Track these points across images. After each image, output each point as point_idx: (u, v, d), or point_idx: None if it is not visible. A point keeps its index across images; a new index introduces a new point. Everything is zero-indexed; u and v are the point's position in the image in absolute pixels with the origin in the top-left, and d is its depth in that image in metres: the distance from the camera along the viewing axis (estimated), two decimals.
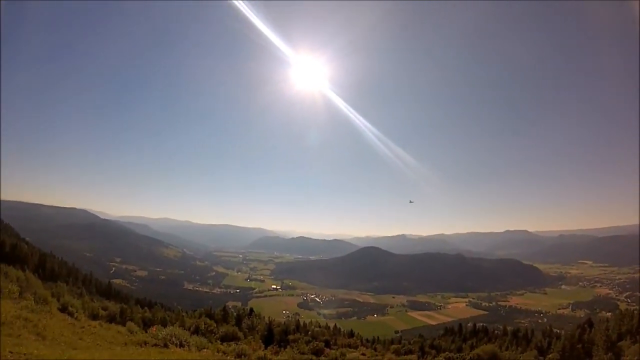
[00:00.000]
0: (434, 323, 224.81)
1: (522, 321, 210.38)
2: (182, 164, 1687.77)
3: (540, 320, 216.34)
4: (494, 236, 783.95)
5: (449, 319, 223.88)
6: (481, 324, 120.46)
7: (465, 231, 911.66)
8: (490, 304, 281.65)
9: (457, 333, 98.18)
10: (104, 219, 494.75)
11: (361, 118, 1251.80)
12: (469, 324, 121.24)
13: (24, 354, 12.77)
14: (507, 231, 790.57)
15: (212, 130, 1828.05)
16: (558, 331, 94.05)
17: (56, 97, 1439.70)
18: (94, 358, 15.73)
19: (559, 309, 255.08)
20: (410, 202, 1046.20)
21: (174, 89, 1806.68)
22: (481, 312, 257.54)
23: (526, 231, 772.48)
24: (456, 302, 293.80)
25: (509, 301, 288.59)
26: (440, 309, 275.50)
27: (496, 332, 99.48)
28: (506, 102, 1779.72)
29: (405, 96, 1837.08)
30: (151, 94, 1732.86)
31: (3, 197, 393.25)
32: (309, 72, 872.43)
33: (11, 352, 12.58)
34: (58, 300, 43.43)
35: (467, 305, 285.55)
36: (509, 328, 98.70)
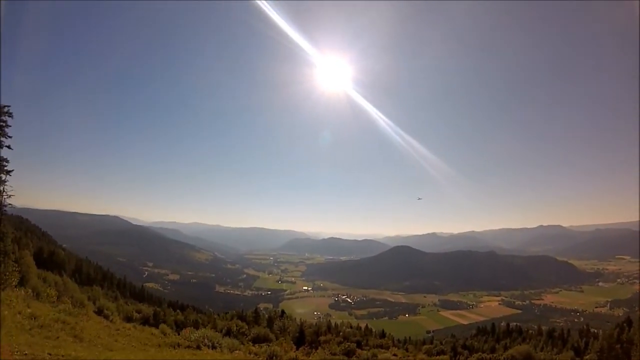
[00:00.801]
0: (466, 323, 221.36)
1: (558, 320, 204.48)
2: (211, 170, 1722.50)
3: (576, 320, 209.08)
4: (526, 232, 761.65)
5: (482, 319, 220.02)
6: (515, 324, 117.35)
7: (496, 227, 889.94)
8: (524, 303, 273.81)
9: (490, 333, 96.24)
10: (137, 225, 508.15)
11: (385, 118, 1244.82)
12: (502, 324, 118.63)
13: (63, 356, 12.92)
14: (541, 226, 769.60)
15: (239, 135, 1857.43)
16: (595, 331, 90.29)
17: (90, 109, 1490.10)
18: (129, 359, 15.83)
19: (596, 307, 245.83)
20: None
21: (201, 95, 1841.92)
22: (514, 311, 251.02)
23: (560, 226, 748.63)
24: (489, 301, 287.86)
25: (543, 299, 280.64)
26: (472, 308, 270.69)
27: (530, 332, 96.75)
28: (536, 94, 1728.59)
29: (430, 95, 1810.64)
30: (182, 102, 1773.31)
31: (40, 207, 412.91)
32: (333, 72, 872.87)
33: (50, 354, 12.73)
34: (94, 303, 44.68)
35: (499, 304, 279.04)
36: (543, 328, 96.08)
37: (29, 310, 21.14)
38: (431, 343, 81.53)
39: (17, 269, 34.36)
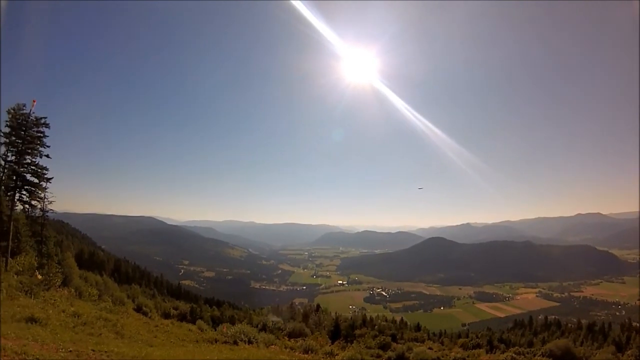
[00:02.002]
0: (502, 315, 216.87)
1: (598, 314, 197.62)
2: (243, 167, 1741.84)
3: (617, 313, 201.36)
4: (564, 221, 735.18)
5: (518, 311, 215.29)
6: (553, 317, 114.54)
7: (532, 217, 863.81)
8: (562, 295, 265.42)
9: (528, 326, 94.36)
10: (171, 225, 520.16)
11: (413, 110, 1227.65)
12: (539, 317, 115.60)
13: (105, 352, 13.16)
14: (579, 215, 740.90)
15: (269, 131, 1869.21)
16: (638, 325, 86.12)
17: (122, 117, 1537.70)
18: (169, 355, 16.05)
19: (639, 299, 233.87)
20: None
21: (230, 92, 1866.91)
22: (552, 303, 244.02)
23: (600, 214, 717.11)
24: (525, 293, 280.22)
25: (582, 291, 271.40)
26: (508, 300, 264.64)
27: (569, 325, 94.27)
28: (573, 77, 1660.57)
29: (459, 85, 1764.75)
30: (211, 101, 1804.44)
31: (79, 211, 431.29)
32: (359, 64, 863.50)
33: (93, 350, 12.99)
34: (133, 301, 46.10)
35: (537, 296, 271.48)
36: (583, 321, 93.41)
37: (72, 309, 21.83)
38: (467, 336, 79.90)
39: (60, 270, 35.74)
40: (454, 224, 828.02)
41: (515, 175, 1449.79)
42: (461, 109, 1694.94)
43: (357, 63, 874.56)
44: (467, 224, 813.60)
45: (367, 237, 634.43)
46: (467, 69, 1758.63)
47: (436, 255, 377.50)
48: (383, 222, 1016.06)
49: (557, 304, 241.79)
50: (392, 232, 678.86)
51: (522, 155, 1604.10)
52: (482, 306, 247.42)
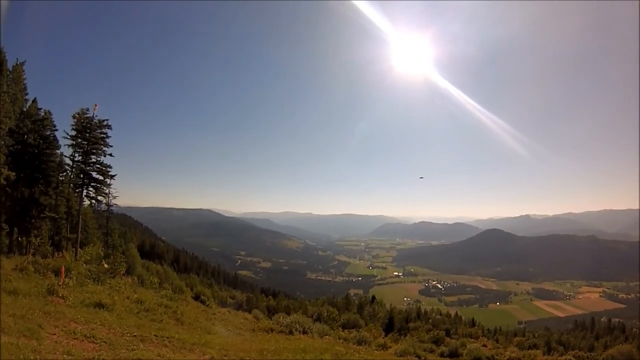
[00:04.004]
0: (562, 315, 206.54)
1: None
2: (299, 159, 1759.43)
3: None
4: (633, 213, 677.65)
5: (580, 312, 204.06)
6: (617, 320, 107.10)
7: (597, 209, 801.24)
8: (629, 296, 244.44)
9: (589, 329, 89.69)
10: (229, 217, 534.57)
11: (467, 97, 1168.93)
12: (602, 319, 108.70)
13: (167, 338, 13.52)
14: None
15: (324, 123, 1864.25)
16: None
17: (182, 113, 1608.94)
18: (228, 343, 16.29)
19: None
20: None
21: (281, 86, 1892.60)
22: (617, 305, 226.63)
23: None
24: (588, 292, 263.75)
25: None
26: (569, 299, 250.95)
27: (634, 330, 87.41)
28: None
29: (519, 69, 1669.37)
30: (263, 96, 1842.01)
31: (141, 205, 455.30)
32: (411, 50, 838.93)
33: (156, 336, 13.39)
34: (191, 289, 47.78)
35: (600, 296, 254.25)
36: None
37: (135, 296, 22.89)
38: (523, 335, 76.34)
39: (124, 259, 37.82)
40: (513, 216, 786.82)
41: (579, 162, 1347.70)
42: (522, 92, 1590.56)
43: (409, 49, 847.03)
44: (527, 215, 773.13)
45: (423, 228, 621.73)
46: (527, 48, 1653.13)
47: (493, 248, 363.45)
48: (440, 213, 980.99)
49: (623, 305, 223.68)
50: (449, 223, 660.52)
51: (587, 142, 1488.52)
52: (541, 304, 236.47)
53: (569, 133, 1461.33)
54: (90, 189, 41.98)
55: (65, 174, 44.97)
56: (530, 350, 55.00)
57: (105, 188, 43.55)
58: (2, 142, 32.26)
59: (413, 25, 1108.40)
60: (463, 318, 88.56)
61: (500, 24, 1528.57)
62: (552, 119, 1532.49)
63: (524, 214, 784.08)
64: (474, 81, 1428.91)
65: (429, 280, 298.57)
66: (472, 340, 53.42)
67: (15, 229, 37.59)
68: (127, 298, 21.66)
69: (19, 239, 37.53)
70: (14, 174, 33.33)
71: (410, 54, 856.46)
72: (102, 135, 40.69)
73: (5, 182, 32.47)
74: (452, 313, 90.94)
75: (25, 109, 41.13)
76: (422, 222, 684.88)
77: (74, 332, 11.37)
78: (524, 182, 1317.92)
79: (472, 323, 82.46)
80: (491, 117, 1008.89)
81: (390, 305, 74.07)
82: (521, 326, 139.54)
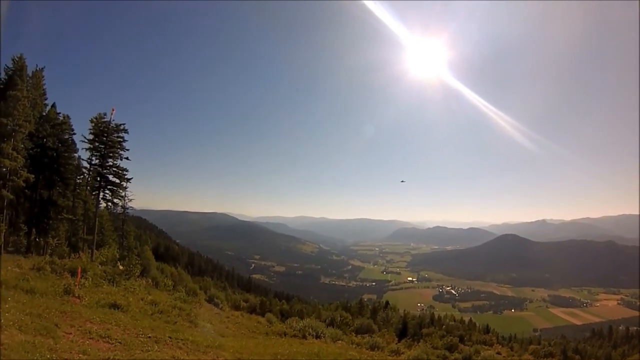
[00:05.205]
0: (578, 323, 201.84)
1: None
2: (313, 163, 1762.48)
3: None
4: None
5: (597, 319, 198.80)
6: (635, 328, 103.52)
7: (616, 213, 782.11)
8: None
9: (607, 337, 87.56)
10: (243, 221, 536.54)
11: (481, 99, 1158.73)
12: (620, 327, 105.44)
13: (181, 340, 13.53)
14: None
15: (337, 128, 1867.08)
16: None
17: (197, 118, 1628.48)
18: (241, 346, 16.25)
19: None
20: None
21: (296, 90, 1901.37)
22: (636, 313, 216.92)
23: None
24: (606, 299, 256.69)
25: None
26: (586, 306, 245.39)
27: None
28: None
29: (534, 67, 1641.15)
30: (279, 101, 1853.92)
31: (156, 208, 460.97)
32: (425, 54, 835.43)
33: (170, 338, 13.41)
34: (205, 292, 48.11)
35: (618, 303, 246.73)
36: None
37: (150, 297, 23.06)
38: (539, 343, 75.10)
39: (139, 261, 38.20)
40: (528, 221, 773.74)
41: (597, 164, 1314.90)
42: (539, 91, 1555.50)
43: (423, 53, 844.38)
44: (543, 220, 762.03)
45: (438, 233, 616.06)
46: (539, 44, 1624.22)
47: (508, 254, 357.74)
48: (454, 218, 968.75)
49: None
50: (464, 228, 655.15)
51: (605, 143, 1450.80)
52: (557, 311, 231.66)
53: (586, 134, 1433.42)
54: (107, 191, 42.66)
55: (82, 176, 45.91)
56: (545, 359, 54.07)
57: (121, 191, 44.19)
58: (22, 146, 32.92)
59: (427, 27, 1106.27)
60: (477, 324, 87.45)
61: (520, 21, 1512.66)
62: (569, 118, 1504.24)
63: (539, 218, 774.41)
64: (489, 82, 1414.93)
65: (443, 285, 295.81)
66: (486, 347, 52.65)
67: (34, 230, 38.34)
68: (142, 299, 21.82)
69: (37, 239, 38.24)
70: (33, 176, 33.97)
71: (424, 56, 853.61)
72: (118, 139, 41.39)
73: (24, 184, 33.16)
74: (466, 319, 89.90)
75: (44, 114, 42.08)
76: (437, 227, 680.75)
77: (89, 332, 11.47)
78: (540, 185, 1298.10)
79: (487, 330, 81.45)
80: (506, 118, 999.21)
81: (404, 310, 73.26)
82: (537, 334, 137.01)
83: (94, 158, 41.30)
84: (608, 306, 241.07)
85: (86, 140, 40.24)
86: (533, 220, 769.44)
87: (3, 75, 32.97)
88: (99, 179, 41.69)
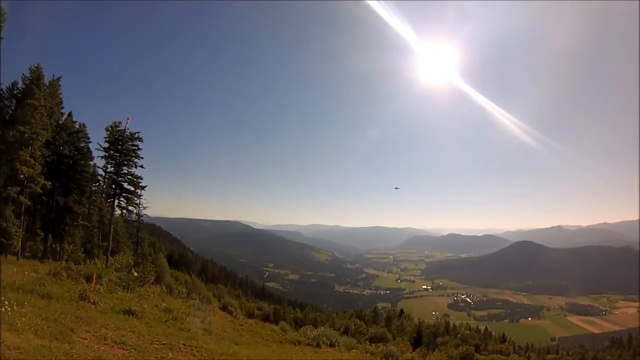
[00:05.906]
0: (597, 331, 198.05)
1: None
2: (327, 171, 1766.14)
3: None
4: None
5: (616, 328, 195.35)
6: None
7: (634, 218, 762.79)
8: None
9: (626, 346, 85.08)
10: (257, 229, 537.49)
11: (495, 104, 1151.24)
12: None
13: (195, 347, 13.43)
14: None
15: (349, 135, 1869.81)
16: None
17: (211, 126, 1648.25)
18: (256, 354, 16.09)
19: None
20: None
21: (308, 96, 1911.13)
22: None
23: None
24: (625, 307, 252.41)
25: None
26: (605, 314, 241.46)
27: None
28: None
29: (546, 70, 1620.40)
30: (291, 108, 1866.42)
31: (170, 215, 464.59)
32: (436, 60, 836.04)
33: (184, 345, 13.31)
34: (219, 300, 48.14)
35: (638, 311, 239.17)
36: None
37: (164, 304, 23.06)
38: (556, 353, 73.53)
39: (153, 268, 38.29)
40: (544, 227, 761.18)
41: (613, 168, 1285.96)
42: (552, 95, 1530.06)
43: (434, 59, 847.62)
44: (559, 226, 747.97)
45: (452, 240, 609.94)
46: (555, 48, 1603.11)
47: (524, 261, 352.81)
48: (469, 225, 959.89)
49: None
50: (478, 235, 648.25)
51: (623, 147, 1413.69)
52: (575, 319, 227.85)
53: (603, 138, 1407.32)
54: (122, 199, 43.19)
55: (98, 184, 46.56)
56: None
57: (135, 198, 44.72)
58: (39, 153, 33.53)
59: (437, 32, 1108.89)
60: (493, 333, 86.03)
61: (534, 19, 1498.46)
62: (585, 122, 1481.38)
63: (555, 224, 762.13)
64: (500, 86, 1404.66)
65: (457, 293, 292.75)
66: (502, 356, 51.90)
67: (50, 236, 38.92)
68: (156, 306, 21.83)
69: (53, 245, 38.81)
70: (49, 183, 34.56)
71: (435, 61, 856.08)
72: (133, 148, 41.96)
73: (41, 191, 33.72)
74: (482, 328, 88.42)
75: (61, 122, 42.86)
76: (451, 234, 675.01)
77: (104, 338, 11.44)
78: (555, 190, 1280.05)
79: (503, 339, 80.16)
80: (518, 122, 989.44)
81: (419, 319, 72.61)
82: (554, 343, 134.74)
83: (109, 166, 41.98)
84: (627, 314, 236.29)
85: (102, 149, 41.01)
86: (549, 226, 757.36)
87: (20, 85, 33.70)
88: (114, 186, 42.26)
